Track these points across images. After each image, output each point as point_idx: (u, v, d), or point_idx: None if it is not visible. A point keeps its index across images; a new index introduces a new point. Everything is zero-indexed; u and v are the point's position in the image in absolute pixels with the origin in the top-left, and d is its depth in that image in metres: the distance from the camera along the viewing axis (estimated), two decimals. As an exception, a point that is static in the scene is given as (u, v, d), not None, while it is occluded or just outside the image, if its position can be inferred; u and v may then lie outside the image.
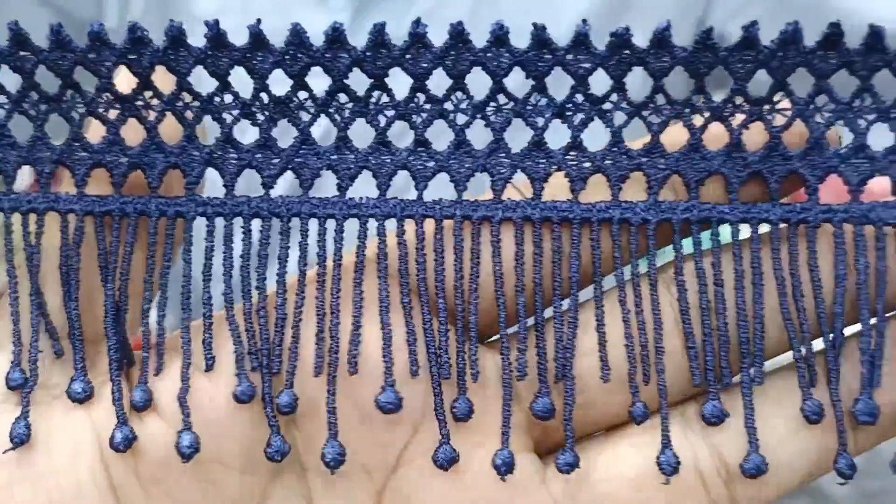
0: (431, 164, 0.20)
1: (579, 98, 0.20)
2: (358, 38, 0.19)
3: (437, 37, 0.19)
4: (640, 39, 0.19)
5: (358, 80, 0.20)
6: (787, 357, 0.21)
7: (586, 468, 0.20)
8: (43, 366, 0.20)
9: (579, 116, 0.20)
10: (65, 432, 0.20)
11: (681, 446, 0.20)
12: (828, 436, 0.20)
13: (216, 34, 0.19)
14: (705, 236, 0.20)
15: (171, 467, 0.20)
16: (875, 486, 0.98)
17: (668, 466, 0.19)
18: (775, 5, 0.52)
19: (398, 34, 0.19)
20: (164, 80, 0.20)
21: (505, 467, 0.19)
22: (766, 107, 0.19)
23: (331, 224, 0.29)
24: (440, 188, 0.21)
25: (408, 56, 0.19)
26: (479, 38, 0.19)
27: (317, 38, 0.19)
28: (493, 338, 0.21)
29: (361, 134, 0.20)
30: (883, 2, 0.48)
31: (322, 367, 0.20)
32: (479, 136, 0.20)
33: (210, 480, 0.20)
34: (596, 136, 0.20)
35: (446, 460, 0.19)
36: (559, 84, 0.20)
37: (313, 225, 0.20)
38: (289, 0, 0.57)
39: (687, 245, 0.20)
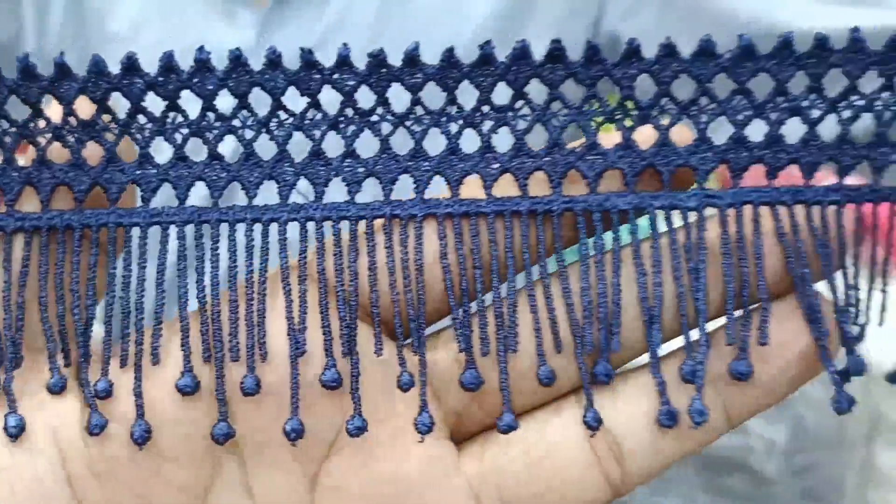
0: (361, 169, 0.22)
1: (486, 108, 0.22)
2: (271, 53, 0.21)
3: (355, 45, 0.21)
4: (543, 42, 0.21)
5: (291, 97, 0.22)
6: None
7: (497, 451, 0.22)
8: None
9: (488, 123, 0.22)
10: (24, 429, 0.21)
11: (576, 425, 0.21)
12: (716, 413, 0.21)
13: (168, 61, 0.21)
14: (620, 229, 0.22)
15: (122, 460, 0.21)
16: (805, 462, 1.04)
17: (594, 422, 0.21)
18: (662, 8, 0.54)
19: (310, 40, 0.21)
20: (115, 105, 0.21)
21: (425, 427, 0.21)
22: (654, 111, 0.21)
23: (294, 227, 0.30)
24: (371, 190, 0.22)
25: (335, 76, 0.21)
26: (389, 44, 0.21)
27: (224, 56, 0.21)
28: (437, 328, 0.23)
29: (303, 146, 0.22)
30: (759, 3, 0.51)
31: (238, 354, 0.21)
32: (405, 143, 0.22)
33: (157, 472, 0.21)
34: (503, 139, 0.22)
35: (355, 429, 0.21)
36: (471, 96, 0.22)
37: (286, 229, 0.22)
38: (198, 17, 0.58)
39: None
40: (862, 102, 0.21)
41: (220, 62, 0.21)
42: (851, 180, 0.22)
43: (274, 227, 0.22)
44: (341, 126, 0.22)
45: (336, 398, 0.22)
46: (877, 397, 1.11)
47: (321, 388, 0.21)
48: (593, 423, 0.21)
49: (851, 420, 1.06)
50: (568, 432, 0.21)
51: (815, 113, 0.21)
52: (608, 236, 0.22)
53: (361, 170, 0.22)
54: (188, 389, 0.21)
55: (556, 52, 0.21)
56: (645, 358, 0.22)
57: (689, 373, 0.21)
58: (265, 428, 0.22)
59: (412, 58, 0.21)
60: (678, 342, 0.22)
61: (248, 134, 0.22)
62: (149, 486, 0.21)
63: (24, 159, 0.22)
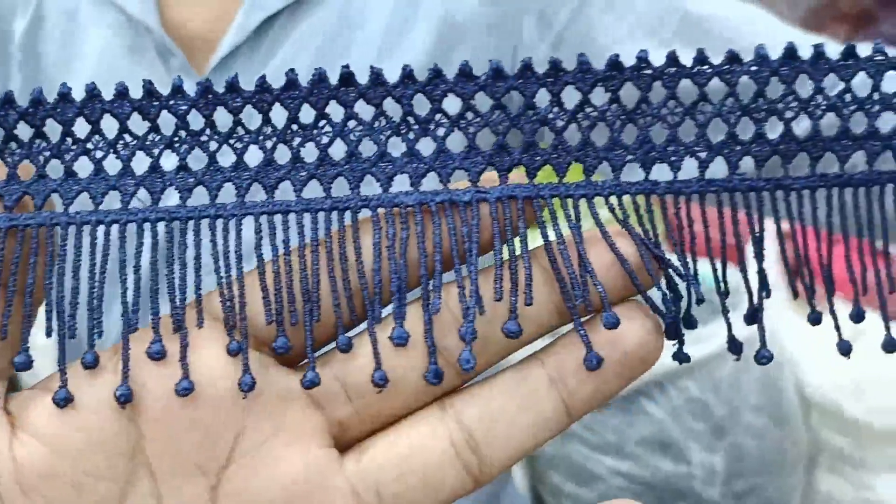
0: (304, 173, 0.24)
1: (411, 119, 0.24)
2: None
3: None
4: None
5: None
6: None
7: (374, 453, 0.24)
8: None
9: (412, 133, 0.24)
10: None
11: (438, 426, 0.24)
12: (557, 406, 0.24)
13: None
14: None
15: (47, 476, 0.23)
16: (745, 486, 1.05)
17: (467, 364, 0.23)
18: (553, 48, 0.61)
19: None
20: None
21: (246, 386, 0.23)
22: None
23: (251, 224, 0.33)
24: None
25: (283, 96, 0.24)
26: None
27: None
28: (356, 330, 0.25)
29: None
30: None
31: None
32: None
33: (77, 486, 0.23)
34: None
35: (182, 389, 0.23)
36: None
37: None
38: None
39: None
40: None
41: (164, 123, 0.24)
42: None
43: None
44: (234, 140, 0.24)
45: (235, 408, 0.24)
46: (817, 424, 1.13)
47: (221, 398, 0.23)
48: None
49: (789, 446, 1.08)
50: (431, 431, 0.24)
51: (560, 123, 0.24)
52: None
53: (304, 174, 0.24)
54: (122, 399, 0.23)
55: (345, 76, 0.24)
56: (505, 362, 0.25)
57: (464, 333, 0.23)
58: (172, 441, 0.24)
59: (345, 78, 0.24)
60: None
61: (213, 146, 0.24)
62: (70, 501, 0.23)
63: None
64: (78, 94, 0.24)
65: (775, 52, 0.24)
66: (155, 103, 0.24)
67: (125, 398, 0.23)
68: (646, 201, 0.25)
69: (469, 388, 0.24)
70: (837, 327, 0.26)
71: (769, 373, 1.05)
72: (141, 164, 0.24)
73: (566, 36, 0.61)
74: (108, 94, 0.24)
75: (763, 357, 0.25)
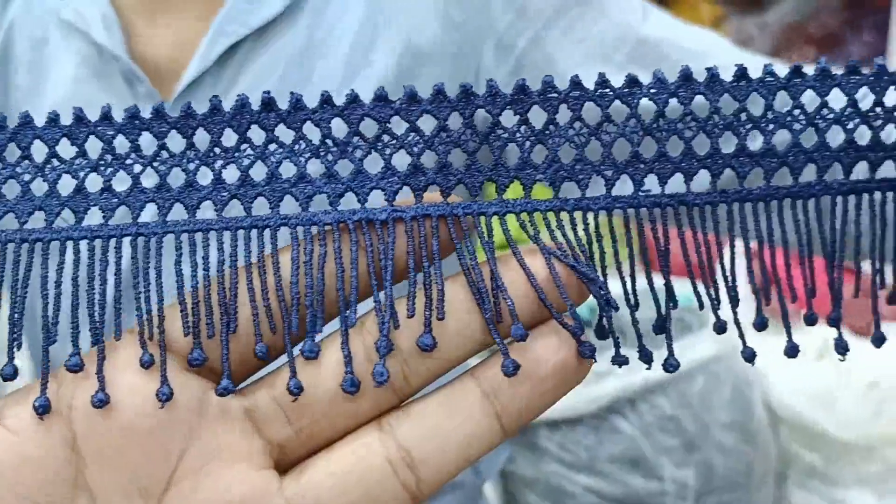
0: (226, 194, 0.25)
1: (329, 142, 0.25)
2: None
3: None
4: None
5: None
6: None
7: (312, 473, 0.25)
8: None
9: (330, 155, 0.25)
10: None
11: (375, 444, 0.25)
12: (491, 421, 0.25)
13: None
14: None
15: None
16: (716, 501, 1.06)
17: (381, 377, 0.24)
18: (508, 79, 0.63)
19: None
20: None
21: (164, 396, 0.24)
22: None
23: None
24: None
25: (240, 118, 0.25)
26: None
27: None
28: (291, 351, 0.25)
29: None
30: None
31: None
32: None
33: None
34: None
35: (97, 401, 0.24)
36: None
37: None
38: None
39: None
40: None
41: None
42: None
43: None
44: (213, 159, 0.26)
45: (175, 431, 0.24)
46: (787, 439, 1.14)
47: (161, 421, 0.24)
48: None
49: (759, 461, 1.09)
50: (368, 450, 0.25)
51: (473, 145, 0.26)
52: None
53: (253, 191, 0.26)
54: (41, 410, 0.24)
55: (266, 101, 0.25)
56: (436, 383, 0.25)
57: (379, 347, 0.24)
58: (113, 465, 0.24)
59: (266, 102, 0.25)
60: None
61: (192, 166, 0.26)
62: None
63: None
64: (41, 121, 0.25)
65: (728, 75, 0.25)
66: (83, 129, 0.25)
67: (43, 409, 0.23)
68: (590, 220, 0.26)
69: (405, 406, 0.25)
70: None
71: (739, 389, 1.06)
72: (67, 186, 0.25)
73: (525, 62, 0.62)
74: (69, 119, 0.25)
75: (670, 366, 0.26)
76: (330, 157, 0.25)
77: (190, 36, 0.64)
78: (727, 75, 0.26)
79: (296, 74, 0.63)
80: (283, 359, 0.25)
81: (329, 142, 0.25)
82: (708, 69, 0.26)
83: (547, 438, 1.05)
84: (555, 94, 0.25)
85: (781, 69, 0.26)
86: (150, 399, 0.24)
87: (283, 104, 0.25)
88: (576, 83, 0.25)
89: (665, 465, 1.02)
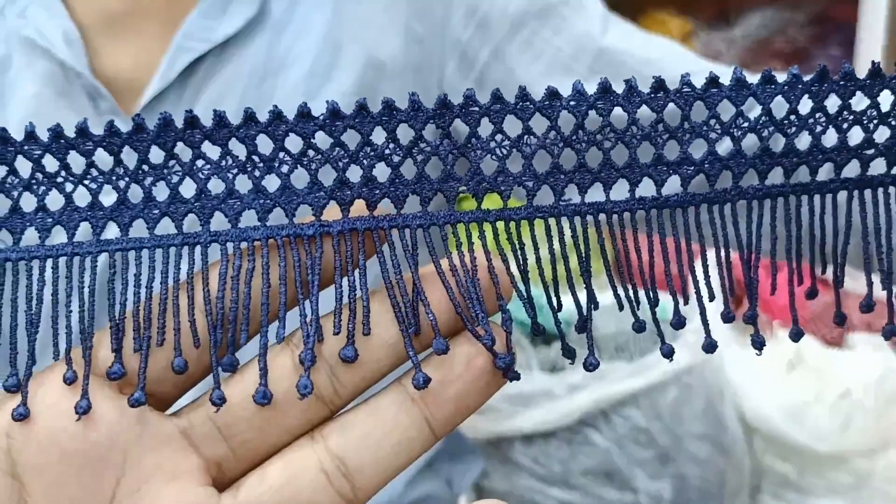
0: (157, 211, 0.26)
1: (256, 158, 0.26)
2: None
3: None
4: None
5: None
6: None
7: (249, 487, 0.25)
8: None
9: (258, 171, 0.26)
10: None
11: (309, 456, 0.25)
12: (421, 426, 0.25)
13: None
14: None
15: None
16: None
17: (304, 389, 0.25)
18: (478, 83, 0.63)
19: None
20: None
21: (81, 409, 0.24)
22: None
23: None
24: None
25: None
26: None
27: None
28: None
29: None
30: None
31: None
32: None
33: None
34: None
35: (17, 415, 0.24)
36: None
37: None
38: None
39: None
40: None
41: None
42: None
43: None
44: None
45: (114, 453, 0.25)
46: (760, 450, 1.15)
47: (96, 448, 0.24)
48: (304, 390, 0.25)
49: (733, 473, 1.09)
50: (303, 462, 0.25)
51: (397, 158, 0.26)
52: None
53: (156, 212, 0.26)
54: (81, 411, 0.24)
55: (189, 119, 0.26)
56: (366, 393, 0.26)
57: (303, 359, 0.25)
58: (54, 490, 0.24)
59: (278, 115, 0.26)
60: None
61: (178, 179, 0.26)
62: None
63: None
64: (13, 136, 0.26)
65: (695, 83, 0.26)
66: (10, 149, 0.25)
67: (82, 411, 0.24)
68: (565, 229, 0.27)
69: (338, 417, 0.26)
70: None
71: (712, 401, 1.07)
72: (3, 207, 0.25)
73: (487, 74, 0.63)
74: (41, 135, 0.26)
75: (590, 364, 0.27)
76: (257, 173, 0.26)
77: (151, 52, 0.64)
78: (696, 84, 0.26)
79: (258, 90, 0.63)
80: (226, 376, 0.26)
81: (255, 158, 0.26)
82: (655, 77, 0.26)
83: (521, 453, 1.05)
84: (476, 108, 0.26)
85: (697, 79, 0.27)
86: (87, 423, 0.24)
87: (238, 121, 0.25)
88: (497, 97, 0.26)
89: (639, 478, 1.03)
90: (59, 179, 0.25)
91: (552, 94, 0.26)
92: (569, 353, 0.27)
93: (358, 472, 0.25)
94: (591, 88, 0.26)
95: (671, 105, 0.26)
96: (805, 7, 1.56)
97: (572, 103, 0.26)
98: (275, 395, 0.25)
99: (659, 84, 0.26)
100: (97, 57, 0.65)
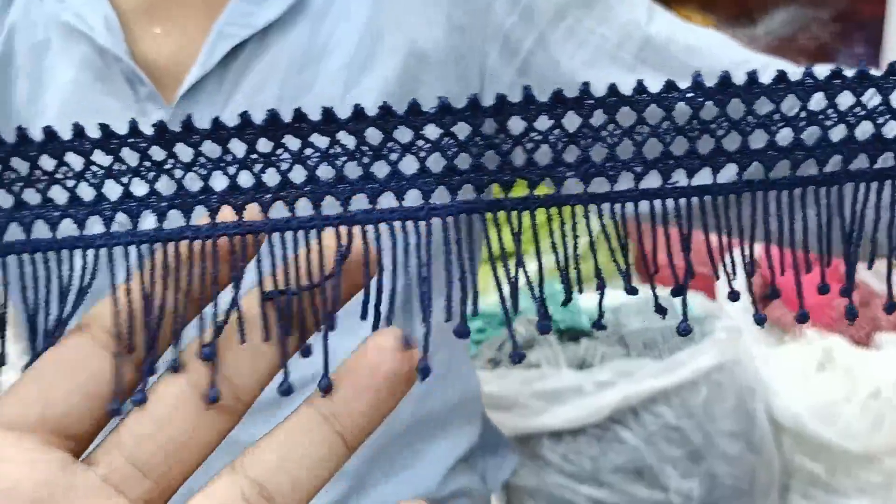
0: (269, 196, 0.26)
1: (364, 147, 0.26)
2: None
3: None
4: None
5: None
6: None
7: None
8: None
9: (366, 158, 0.26)
10: None
11: (230, 484, 0.25)
12: (334, 441, 0.26)
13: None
14: None
15: None
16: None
17: (213, 397, 0.25)
18: (514, 80, 0.63)
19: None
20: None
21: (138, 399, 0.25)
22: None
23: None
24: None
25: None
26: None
27: None
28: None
29: None
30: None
31: None
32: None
33: None
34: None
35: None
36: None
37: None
38: (112, 115, 0.61)
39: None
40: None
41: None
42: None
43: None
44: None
45: None
46: (789, 449, 1.15)
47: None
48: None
49: (763, 472, 1.09)
50: (225, 491, 0.25)
51: (506, 147, 0.26)
52: None
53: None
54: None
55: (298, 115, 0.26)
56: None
57: (205, 354, 0.25)
58: None
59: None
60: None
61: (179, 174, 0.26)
62: None
63: None
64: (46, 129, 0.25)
65: (736, 73, 0.26)
66: (115, 141, 0.25)
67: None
68: (614, 229, 0.27)
69: (256, 443, 0.26)
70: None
71: (742, 399, 1.06)
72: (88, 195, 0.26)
73: (531, 62, 0.63)
74: (81, 122, 0.26)
75: (683, 329, 0.27)
76: (366, 160, 0.26)
77: (191, 38, 0.64)
78: (739, 74, 0.26)
79: (298, 77, 0.63)
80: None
81: (364, 147, 0.26)
82: (748, 73, 0.26)
83: (550, 449, 1.05)
84: (591, 101, 0.26)
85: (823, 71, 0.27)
86: (16, 484, 0.24)
87: (287, 108, 0.26)
88: (613, 90, 0.26)
89: (669, 475, 1.02)
90: (174, 167, 0.26)
91: (670, 86, 0.26)
92: (660, 310, 0.27)
93: (279, 494, 0.25)
94: (636, 77, 0.26)
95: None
96: (830, 4, 1.56)
97: (689, 95, 0.26)
98: (183, 417, 0.25)
99: (780, 76, 0.26)
100: (136, 43, 0.64)
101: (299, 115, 0.25)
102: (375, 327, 0.26)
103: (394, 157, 0.26)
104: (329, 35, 0.63)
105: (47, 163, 0.25)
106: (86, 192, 0.26)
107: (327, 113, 0.25)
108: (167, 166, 0.26)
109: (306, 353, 0.27)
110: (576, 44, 0.62)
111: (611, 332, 1.10)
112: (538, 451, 1.06)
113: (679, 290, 0.27)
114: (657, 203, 0.27)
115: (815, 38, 1.54)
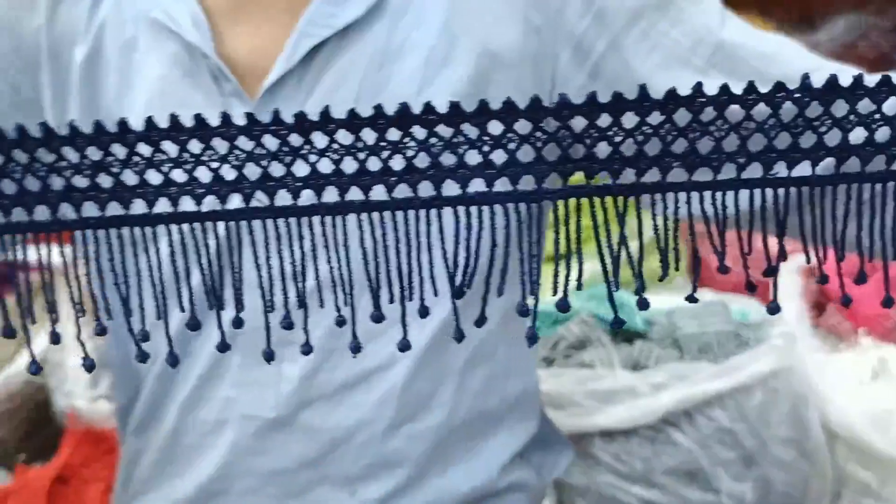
0: (394, 178, 0.28)
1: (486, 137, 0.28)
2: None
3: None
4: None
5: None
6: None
7: None
8: None
9: (486, 146, 0.28)
10: None
11: None
12: None
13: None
14: None
15: None
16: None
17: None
18: (585, 83, 0.65)
19: None
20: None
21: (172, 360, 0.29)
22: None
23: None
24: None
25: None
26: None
27: None
28: None
29: None
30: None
31: None
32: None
33: None
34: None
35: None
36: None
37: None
38: (197, 109, 0.66)
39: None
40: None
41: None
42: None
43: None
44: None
45: None
46: (842, 457, 1.14)
47: None
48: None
49: (816, 479, 1.09)
50: None
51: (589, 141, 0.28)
52: None
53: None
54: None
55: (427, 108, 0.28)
56: None
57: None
58: None
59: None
60: None
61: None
62: None
63: None
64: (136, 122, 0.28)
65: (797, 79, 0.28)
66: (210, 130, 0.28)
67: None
68: (664, 224, 0.29)
69: None
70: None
71: (796, 406, 1.06)
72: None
73: (603, 66, 0.64)
74: (166, 116, 0.28)
75: (772, 309, 0.30)
76: (486, 149, 0.28)
77: (274, 37, 0.66)
78: (817, 79, 0.28)
79: (376, 76, 0.65)
80: None
81: (486, 137, 0.28)
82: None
83: (602, 449, 1.06)
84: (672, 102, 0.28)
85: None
86: None
87: (364, 105, 0.28)
88: (671, 93, 0.28)
89: (722, 478, 1.02)
90: (304, 152, 0.28)
91: (778, 86, 0.27)
92: (750, 287, 0.29)
93: None
94: (710, 82, 0.28)
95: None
96: (891, 13, 1.54)
97: (797, 95, 0.27)
98: None
99: (885, 80, 0.28)
100: (222, 40, 0.67)
101: (428, 108, 0.27)
102: (459, 296, 0.29)
103: (512, 146, 0.28)
104: (406, 36, 0.65)
105: (144, 149, 0.27)
106: (179, 176, 0.28)
107: (454, 107, 0.27)
108: (359, 146, 0.28)
109: (356, 349, 0.29)
110: (649, 47, 0.63)
111: (665, 335, 1.10)
112: (590, 450, 1.07)
113: (772, 271, 0.29)
114: (730, 204, 0.28)
115: (875, 45, 1.53)
